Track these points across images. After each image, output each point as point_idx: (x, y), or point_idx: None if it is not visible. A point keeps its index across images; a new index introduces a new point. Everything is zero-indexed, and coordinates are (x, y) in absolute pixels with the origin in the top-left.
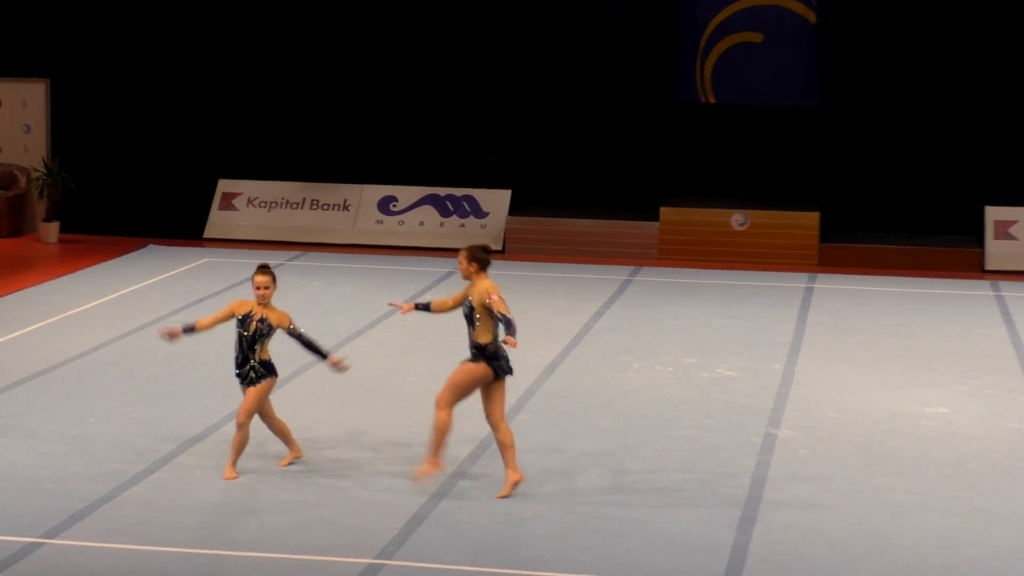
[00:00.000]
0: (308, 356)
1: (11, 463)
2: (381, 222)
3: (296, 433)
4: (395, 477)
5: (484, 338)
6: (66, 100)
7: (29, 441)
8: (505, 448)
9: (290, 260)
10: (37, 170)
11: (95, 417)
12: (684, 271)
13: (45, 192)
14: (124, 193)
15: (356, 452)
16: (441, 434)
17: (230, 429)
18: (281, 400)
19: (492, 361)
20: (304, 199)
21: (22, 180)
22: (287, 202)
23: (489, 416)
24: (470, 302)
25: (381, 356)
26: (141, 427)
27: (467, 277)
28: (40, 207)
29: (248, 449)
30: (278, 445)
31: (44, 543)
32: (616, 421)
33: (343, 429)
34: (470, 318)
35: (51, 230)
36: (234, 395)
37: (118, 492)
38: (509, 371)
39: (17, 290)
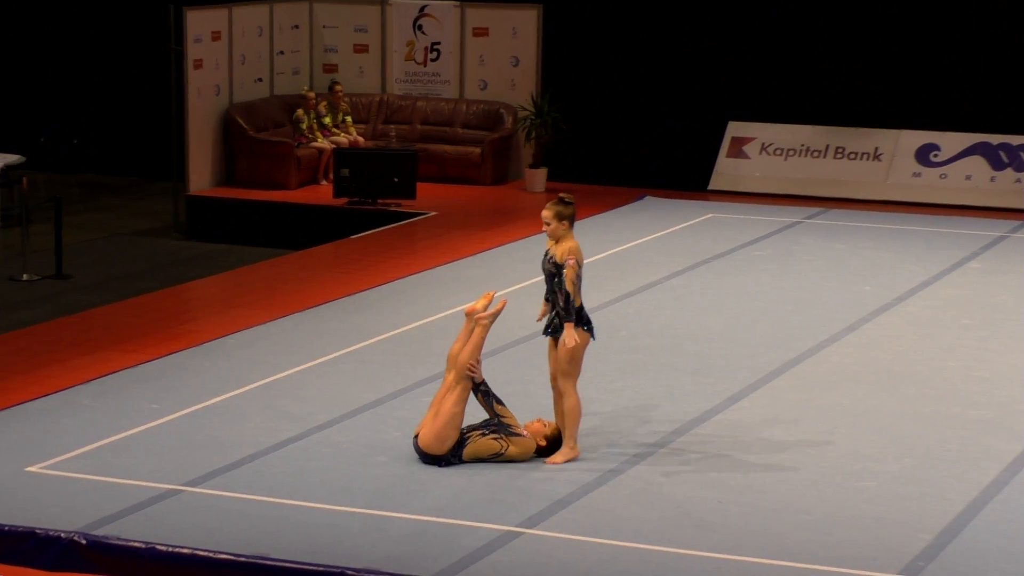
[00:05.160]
0: (827, 331)
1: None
2: (919, 174)
3: (806, 423)
4: (920, 483)
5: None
6: (560, 30)
7: None
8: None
9: (809, 218)
10: (525, 109)
11: (581, 392)
12: None
13: (533, 134)
14: (619, 136)
15: (873, 450)
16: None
17: (730, 415)
18: (786, 383)
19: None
20: (827, 146)
21: (508, 120)
22: (807, 149)
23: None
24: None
25: (914, 335)
26: (630, 407)
27: (555, 237)
28: (527, 151)
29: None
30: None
31: (522, 532)
32: None
33: (865, 422)
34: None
35: (538, 177)
36: (740, 376)
37: (603, 480)
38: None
39: (498, 245)
